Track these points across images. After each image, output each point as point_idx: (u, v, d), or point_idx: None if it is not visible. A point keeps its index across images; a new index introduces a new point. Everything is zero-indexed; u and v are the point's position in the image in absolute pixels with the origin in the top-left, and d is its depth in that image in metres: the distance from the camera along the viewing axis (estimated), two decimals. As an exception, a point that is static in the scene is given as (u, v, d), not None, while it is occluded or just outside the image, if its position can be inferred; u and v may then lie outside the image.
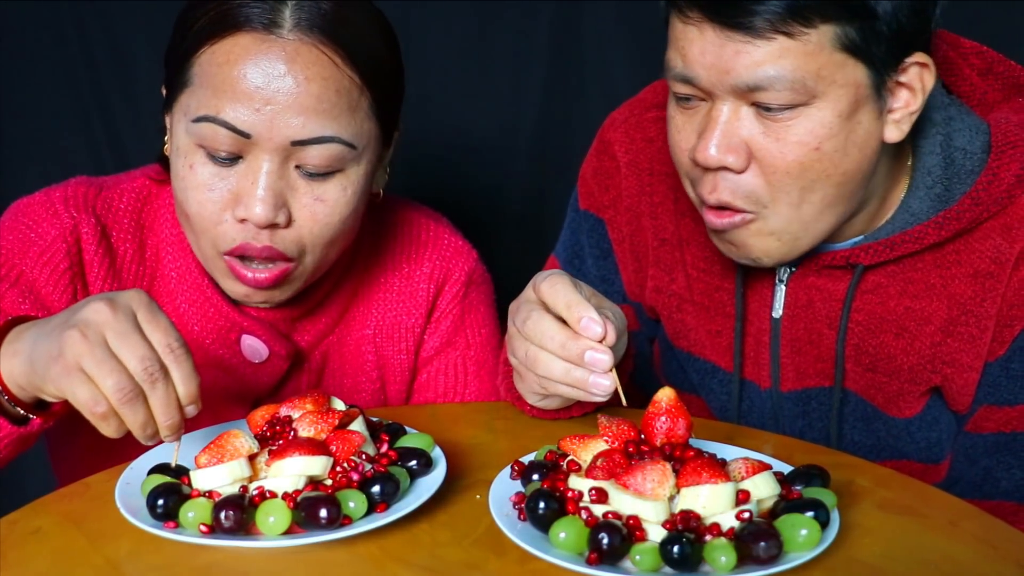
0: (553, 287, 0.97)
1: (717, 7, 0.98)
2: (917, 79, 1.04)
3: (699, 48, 1.01)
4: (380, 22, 1.11)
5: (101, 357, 0.84)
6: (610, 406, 1.01)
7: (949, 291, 1.12)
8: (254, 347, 1.18)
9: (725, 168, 1.04)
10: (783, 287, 1.19)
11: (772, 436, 1.12)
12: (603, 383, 0.95)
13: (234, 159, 1.04)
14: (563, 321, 0.96)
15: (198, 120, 1.03)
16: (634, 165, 1.28)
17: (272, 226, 1.05)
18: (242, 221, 1.05)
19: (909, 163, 1.13)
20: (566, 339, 0.95)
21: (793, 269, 1.18)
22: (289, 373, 1.22)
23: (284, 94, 1.01)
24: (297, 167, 1.05)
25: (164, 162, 1.14)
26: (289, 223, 1.06)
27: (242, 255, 1.07)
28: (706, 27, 1.00)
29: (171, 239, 1.17)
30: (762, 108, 1.01)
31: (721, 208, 1.07)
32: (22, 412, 0.94)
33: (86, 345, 0.84)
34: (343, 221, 1.09)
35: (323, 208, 1.07)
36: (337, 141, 1.05)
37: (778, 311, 1.19)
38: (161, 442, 0.89)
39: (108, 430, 0.87)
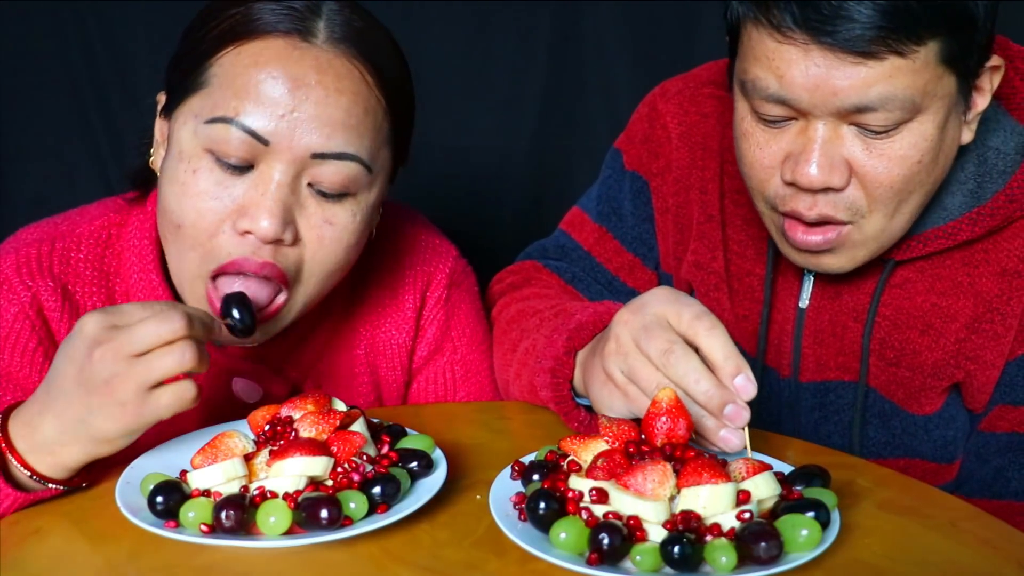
0: (712, 331, 0.91)
1: (826, 27, 0.94)
2: (987, 80, 1.04)
3: (801, 69, 0.97)
4: (399, 50, 1.07)
5: (127, 353, 0.84)
6: None
7: (976, 289, 1.12)
8: (247, 388, 1.14)
9: (828, 188, 1.02)
10: (811, 278, 1.19)
11: (771, 435, 1.12)
12: (733, 440, 0.89)
13: (244, 168, 0.98)
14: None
15: (213, 121, 0.97)
16: (687, 138, 1.27)
17: (276, 242, 0.99)
18: (244, 234, 0.98)
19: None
20: (712, 388, 0.89)
21: None
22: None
23: (312, 103, 0.96)
24: (310, 185, 1.00)
25: (139, 179, 1.09)
26: (295, 242, 1.01)
27: (237, 272, 0.99)
28: (812, 47, 0.96)
29: (141, 282, 1.08)
30: (863, 128, 0.99)
31: (816, 224, 1.05)
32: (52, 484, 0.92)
33: (117, 366, 0.84)
34: (347, 250, 1.04)
35: (331, 232, 1.01)
36: (357, 160, 1.00)
37: (805, 301, 1.20)
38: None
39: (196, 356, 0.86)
